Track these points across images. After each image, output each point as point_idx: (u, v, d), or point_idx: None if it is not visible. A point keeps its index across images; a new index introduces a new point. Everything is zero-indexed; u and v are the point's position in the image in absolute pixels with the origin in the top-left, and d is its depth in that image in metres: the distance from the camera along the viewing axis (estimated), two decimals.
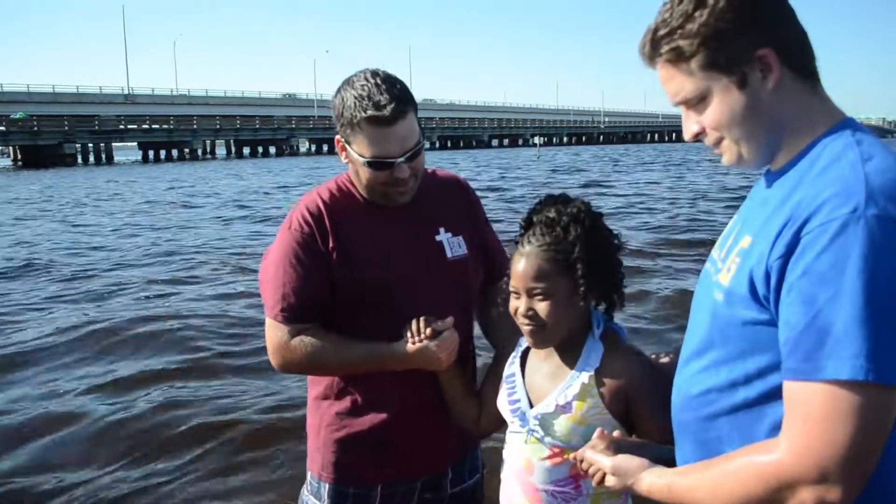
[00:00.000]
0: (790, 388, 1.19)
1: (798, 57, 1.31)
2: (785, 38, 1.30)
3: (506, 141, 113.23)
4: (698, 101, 1.35)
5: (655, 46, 1.35)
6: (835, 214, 1.15)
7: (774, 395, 1.25)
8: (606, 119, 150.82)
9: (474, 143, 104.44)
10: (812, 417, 1.15)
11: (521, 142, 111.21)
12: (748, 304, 1.28)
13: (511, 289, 1.79)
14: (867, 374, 1.10)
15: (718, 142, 1.37)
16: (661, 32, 1.34)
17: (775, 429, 1.23)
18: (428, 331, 1.93)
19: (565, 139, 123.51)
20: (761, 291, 1.25)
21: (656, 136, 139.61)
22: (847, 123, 1.32)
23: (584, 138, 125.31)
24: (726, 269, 1.36)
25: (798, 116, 1.32)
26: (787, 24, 1.31)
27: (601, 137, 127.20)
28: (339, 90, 1.99)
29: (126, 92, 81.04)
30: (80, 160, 66.21)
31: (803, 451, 1.16)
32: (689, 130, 1.39)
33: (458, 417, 2.06)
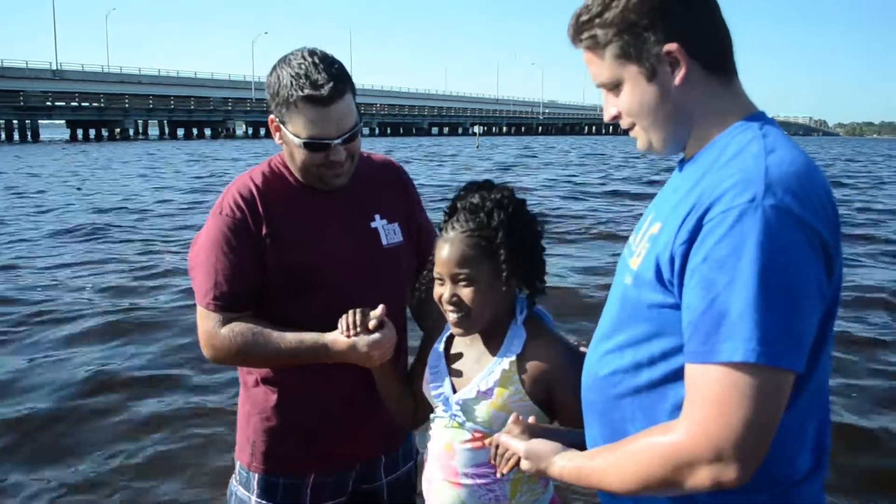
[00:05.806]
0: (690, 370, 1.23)
1: (710, 52, 1.34)
2: (697, 33, 1.32)
3: (445, 129, 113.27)
4: (613, 87, 1.39)
5: (577, 31, 1.39)
6: (734, 203, 1.19)
7: (676, 376, 1.29)
8: (546, 110, 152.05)
9: (414, 131, 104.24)
10: (709, 399, 1.19)
11: (460, 130, 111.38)
12: (654, 288, 1.32)
13: (435, 275, 1.79)
14: (759, 357, 1.15)
15: (632, 126, 1.41)
16: (583, 18, 1.37)
17: (676, 409, 1.27)
18: (369, 322, 1.87)
19: (504, 129, 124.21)
20: (666, 276, 1.28)
21: (594, 127, 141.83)
22: (757, 117, 1.36)
23: (523, 128, 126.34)
24: (637, 253, 1.39)
25: (707, 109, 1.35)
26: (702, 19, 1.34)
27: (540, 128, 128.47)
28: (274, 68, 1.94)
29: (54, 67, 77.80)
30: (3, 137, 63.61)
31: (701, 431, 1.19)
32: (607, 112, 1.44)
33: (394, 411, 2.04)
